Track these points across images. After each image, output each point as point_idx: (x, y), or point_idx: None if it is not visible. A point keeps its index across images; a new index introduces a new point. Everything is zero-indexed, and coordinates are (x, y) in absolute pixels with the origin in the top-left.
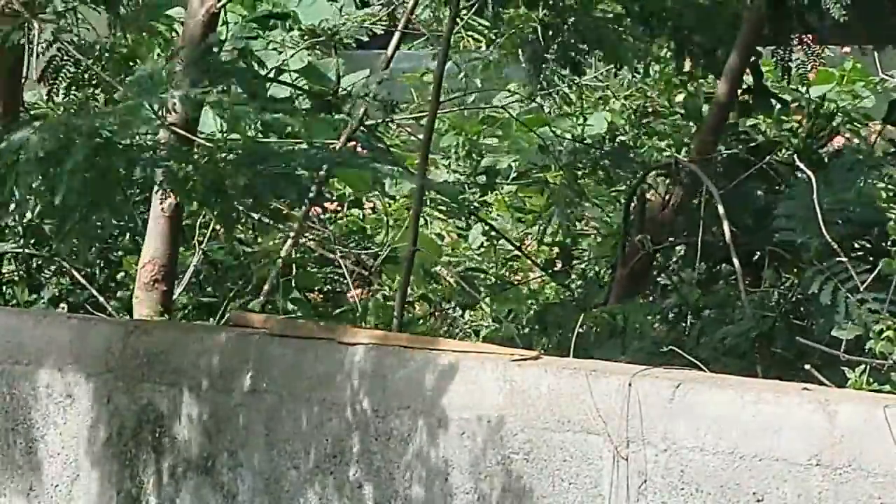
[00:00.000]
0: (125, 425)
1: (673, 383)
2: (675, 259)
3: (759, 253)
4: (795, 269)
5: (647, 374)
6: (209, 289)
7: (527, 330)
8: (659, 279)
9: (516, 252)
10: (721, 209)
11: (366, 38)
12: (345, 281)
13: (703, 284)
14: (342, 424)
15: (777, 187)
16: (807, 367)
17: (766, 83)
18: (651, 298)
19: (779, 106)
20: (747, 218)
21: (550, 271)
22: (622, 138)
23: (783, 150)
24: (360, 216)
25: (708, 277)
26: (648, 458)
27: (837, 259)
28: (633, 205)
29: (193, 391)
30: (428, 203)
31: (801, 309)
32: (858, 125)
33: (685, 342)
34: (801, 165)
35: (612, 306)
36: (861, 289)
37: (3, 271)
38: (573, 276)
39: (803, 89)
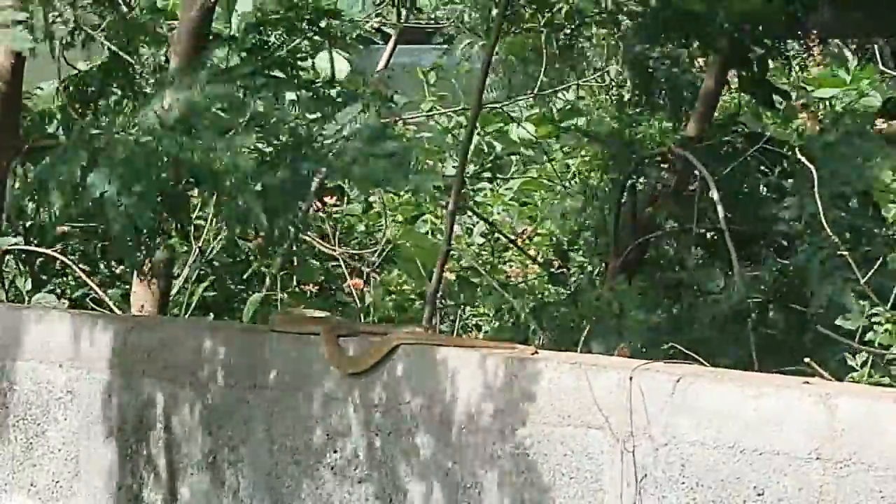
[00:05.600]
0: (126, 421)
1: (673, 377)
2: (669, 245)
3: (752, 238)
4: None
5: (648, 368)
6: (206, 284)
7: (524, 325)
8: (655, 266)
9: (512, 246)
10: (715, 194)
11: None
12: (341, 273)
13: (699, 269)
14: (343, 419)
15: (768, 174)
16: (806, 359)
17: (768, 77)
18: (646, 286)
19: (783, 103)
20: (744, 204)
21: (549, 271)
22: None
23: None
24: (361, 210)
25: (704, 263)
26: (649, 453)
27: (828, 235)
28: (624, 194)
29: (194, 387)
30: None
31: (794, 292)
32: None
33: (681, 324)
34: (803, 159)
35: (606, 294)
36: (862, 282)
37: (6, 267)
38: (570, 269)
39: (810, 90)
